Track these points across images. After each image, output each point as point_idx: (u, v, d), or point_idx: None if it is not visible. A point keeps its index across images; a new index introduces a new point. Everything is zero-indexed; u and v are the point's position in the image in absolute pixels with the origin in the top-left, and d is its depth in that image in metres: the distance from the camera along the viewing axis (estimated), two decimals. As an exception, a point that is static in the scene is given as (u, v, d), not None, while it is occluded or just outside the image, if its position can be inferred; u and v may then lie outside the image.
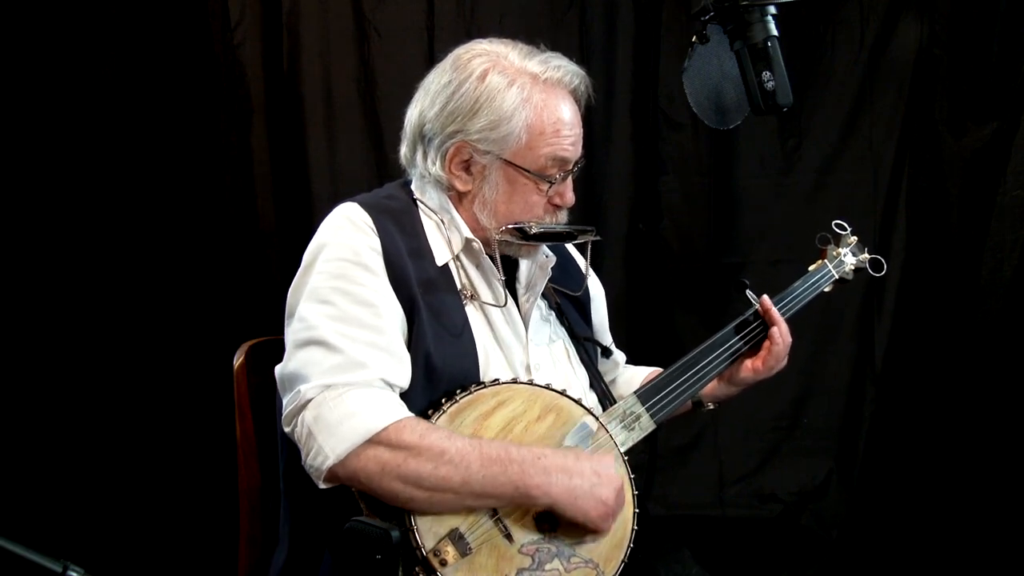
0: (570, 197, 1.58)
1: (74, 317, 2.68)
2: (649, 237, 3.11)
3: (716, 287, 3.04)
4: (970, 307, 2.90)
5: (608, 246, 3.10)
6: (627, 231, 3.12)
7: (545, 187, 1.52)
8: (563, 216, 1.59)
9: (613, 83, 3.02)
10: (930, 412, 3.02)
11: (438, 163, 1.54)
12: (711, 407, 1.77)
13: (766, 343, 1.71)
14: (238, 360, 1.67)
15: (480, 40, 1.57)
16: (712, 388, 1.73)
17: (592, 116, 3.01)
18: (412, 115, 1.57)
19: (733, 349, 1.69)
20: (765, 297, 1.71)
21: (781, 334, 1.71)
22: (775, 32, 1.51)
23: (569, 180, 1.57)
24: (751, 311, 1.72)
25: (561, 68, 1.54)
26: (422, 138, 1.56)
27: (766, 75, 1.52)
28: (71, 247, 2.67)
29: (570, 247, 1.79)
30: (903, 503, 3.03)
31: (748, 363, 1.71)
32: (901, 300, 3.12)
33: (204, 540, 2.65)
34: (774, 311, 1.70)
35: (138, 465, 2.74)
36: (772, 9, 1.51)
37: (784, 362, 1.74)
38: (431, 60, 1.60)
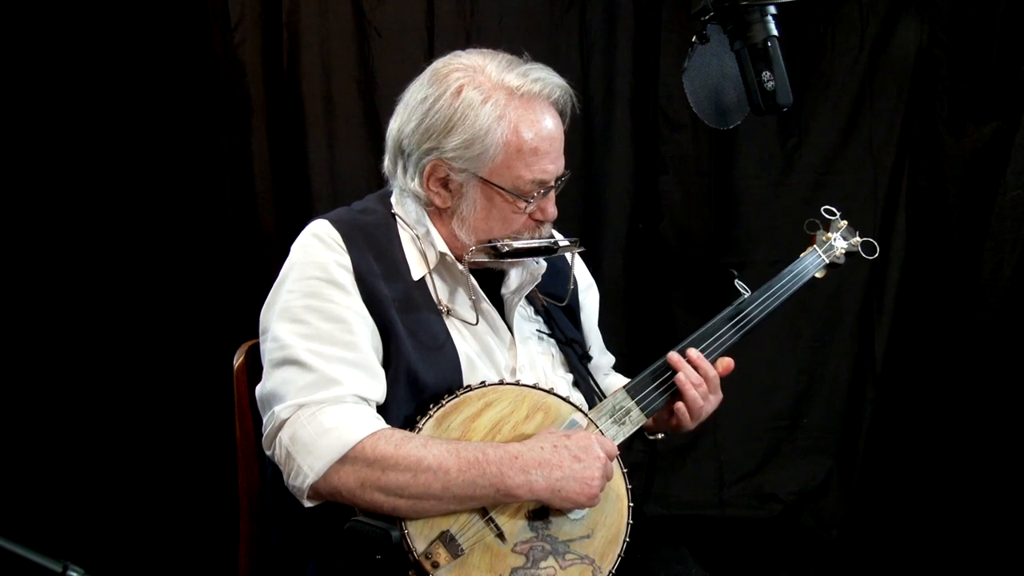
0: (552, 212, 1.55)
1: (75, 318, 2.68)
2: (649, 237, 3.11)
3: (716, 287, 3.05)
4: (970, 307, 2.90)
5: (608, 246, 3.10)
6: (627, 231, 3.11)
7: (523, 205, 1.50)
8: (547, 229, 1.57)
9: (613, 83, 3.02)
10: (930, 412, 3.02)
11: (416, 179, 1.52)
12: (660, 437, 1.72)
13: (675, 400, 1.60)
14: (238, 360, 1.67)
15: (459, 53, 1.55)
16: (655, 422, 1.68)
17: (592, 116, 3.04)
18: (392, 129, 1.56)
19: (725, 338, 1.66)
20: (673, 354, 1.60)
21: (688, 378, 1.58)
22: (775, 32, 1.52)
23: (551, 195, 1.54)
24: (743, 299, 1.69)
25: (540, 81, 1.49)
26: (401, 153, 1.55)
27: (766, 75, 1.52)
28: (71, 248, 2.66)
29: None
30: (903, 503, 3.03)
31: (673, 413, 1.61)
32: (901, 300, 3.11)
33: (204, 540, 2.65)
34: (681, 362, 1.60)
35: (138, 465, 2.74)
36: (772, 9, 1.52)
37: (714, 402, 1.63)
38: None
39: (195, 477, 2.72)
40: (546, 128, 1.48)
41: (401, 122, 1.54)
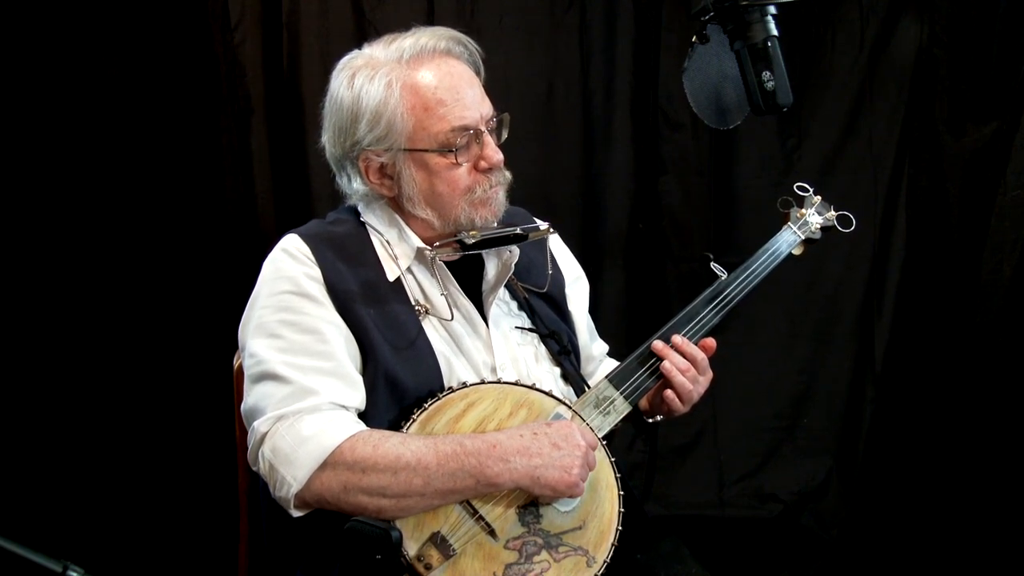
0: (495, 158, 1.52)
1: (74, 318, 2.68)
2: (649, 237, 3.11)
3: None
4: (970, 307, 2.90)
5: (608, 246, 3.10)
6: (627, 231, 3.11)
7: (456, 157, 1.48)
8: (497, 177, 1.54)
9: (613, 83, 3.02)
10: (930, 412, 3.02)
11: (358, 180, 1.55)
12: (658, 419, 1.70)
13: (665, 386, 1.59)
14: (238, 360, 1.67)
15: (355, 51, 1.56)
16: (648, 403, 1.68)
17: (592, 116, 3.04)
18: (323, 145, 1.58)
19: (705, 320, 1.66)
20: (657, 342, 1.60)
21: (675, 364, 1.58)
22: (775, 32, 1.51)
23: (487, 139, 1.51)
24: (721, 281, 1.69)
25: (423, 39, 1.49)
26: (337, 162, 1.58)
27: (766, 75, 1.51)
28: (72, 248, 2.66)
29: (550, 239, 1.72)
30: (903, 503, 3.03)
31: (665, 394, 1.60)
32: (901, 300, 3.11)
33: (204, 540, 2.65)
34: (666, 349, 1.60)
35: (138, 465, 2.74)
36: (772, 9, 1.51)
37: (702, 385, 1.62)
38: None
39: (195, 477, 2.72)
40: (443, 78, 1.47)
41: (325, 135, 1.57)
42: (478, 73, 1.54)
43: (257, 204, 2.84)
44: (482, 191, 1.52)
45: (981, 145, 2.87)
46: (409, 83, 1.47)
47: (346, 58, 1.56)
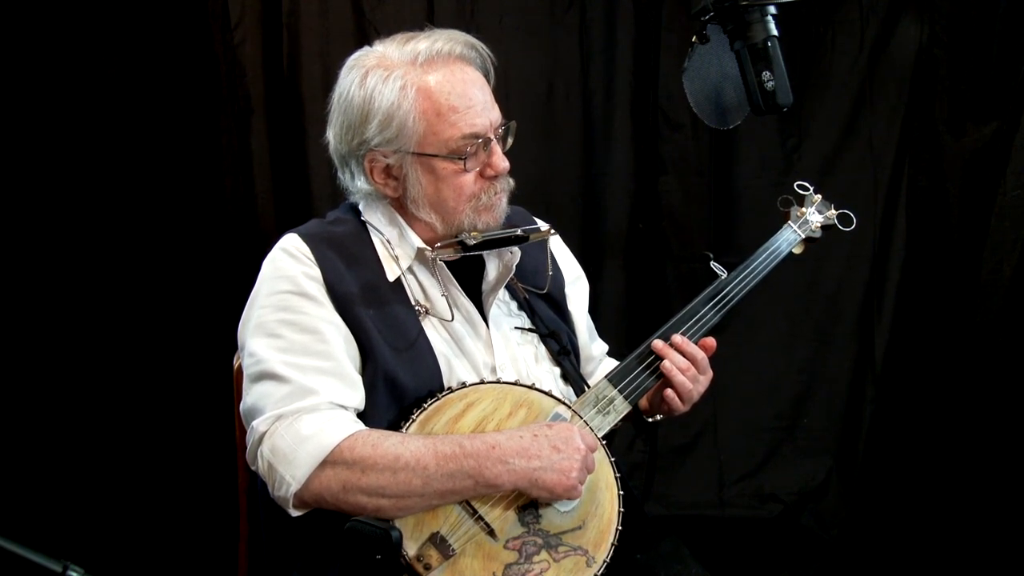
0: (501, 165, 1.52)
1: (74, 318, 2.68)
2: (649, 236, 3.11)
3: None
4: (970, 307, 2.90)
5: (608, 246, 3.10)
6: (627, 231, 3.11)
7: (464, 164, 1.48)
8: (502, 184, 1.54)
9: (613, 83, 3.02)
10: (930, 412, 3.02)
11: (362, 178, 1.55)
12: (659, 418, 1.70)
13: (665, 386, 1.59)
14: (238, 360, 1.66)
15: (366, 47, 1.56)
16: (647, 402, 1.67)
17: (592, 116, 3.04)
18: (328, 139, 1.58)
19: (705, 319, 1.66)
20: (657, 341, 1.61)
21: (675, 363, 1.58)
22: (775, 32, 1.51)
23: (494, 147, 1.51)
24: (720, 280, 1.70)
25: (438, 42, 1.48)
26: (341, 159, 1.57)
27: (766, 75, 1.51)
28: (72, 248, 2.66)
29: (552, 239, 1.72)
30: (903, 503, 3.03)
31: (665, 393, 1.60)
32: (901, 300, 3.12)
33: (204, 540, 2.65)
34: (666, 348, 1.60)
35: (138, 465, 2.74)
36: (772, 9, 1.51)
37: (703, 384, 1.62)
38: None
39: (195, 477, 2.72)
40: (457, 84, 1.47)
41: (331, 130, 1.56)
42: (488, 78, 1.54)
43: (257, 204, 2.84)
44: (487, 198, 1.52)
45: (981, 145, 2.87)
46: (423, 87, 1.46)
47: (357, 55, 1.55)
